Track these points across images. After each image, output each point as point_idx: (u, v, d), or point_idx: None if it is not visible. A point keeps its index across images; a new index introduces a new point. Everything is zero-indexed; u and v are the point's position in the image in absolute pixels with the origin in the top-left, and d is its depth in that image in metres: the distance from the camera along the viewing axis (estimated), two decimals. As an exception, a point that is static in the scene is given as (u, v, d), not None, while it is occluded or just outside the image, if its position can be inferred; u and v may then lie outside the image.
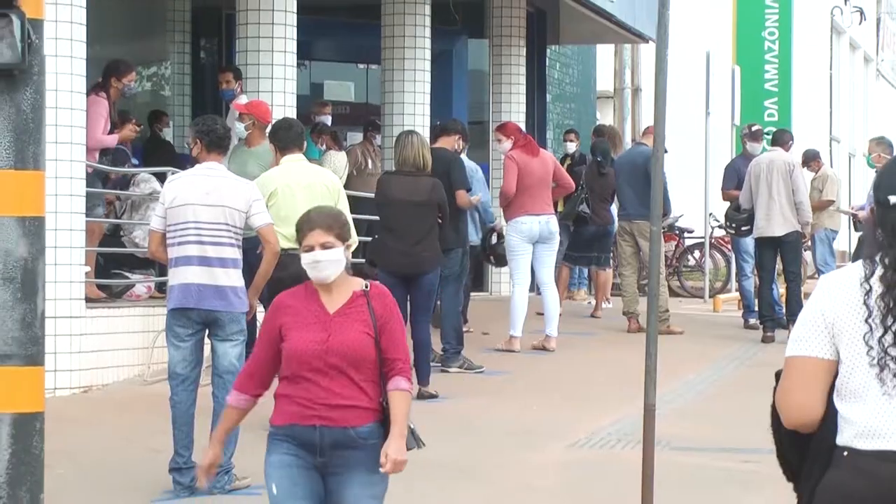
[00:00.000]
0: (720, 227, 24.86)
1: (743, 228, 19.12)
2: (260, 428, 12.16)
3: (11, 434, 8.94)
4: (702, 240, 25.18)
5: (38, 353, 9.08)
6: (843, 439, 5.06)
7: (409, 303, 14.22)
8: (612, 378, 15.20)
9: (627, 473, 10.53)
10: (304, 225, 7.73)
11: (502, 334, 17.28)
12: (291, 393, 7.46)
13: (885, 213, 5.10)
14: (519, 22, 24.86)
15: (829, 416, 5.11)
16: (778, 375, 5.24)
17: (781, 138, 19.77)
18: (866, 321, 5.00)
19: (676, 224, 24.97)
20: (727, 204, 20.01)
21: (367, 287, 7.55)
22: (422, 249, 14.13)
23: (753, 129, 21.46)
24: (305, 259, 7.55)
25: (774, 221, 18.49)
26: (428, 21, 21.34)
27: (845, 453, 5.04)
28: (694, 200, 24.70)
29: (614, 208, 20.51)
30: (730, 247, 24.35)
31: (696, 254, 25.70)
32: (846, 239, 29.92)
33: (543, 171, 17.23)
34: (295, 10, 17.66)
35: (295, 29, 17.72)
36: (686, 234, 26.00)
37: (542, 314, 17.45)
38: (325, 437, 7.36)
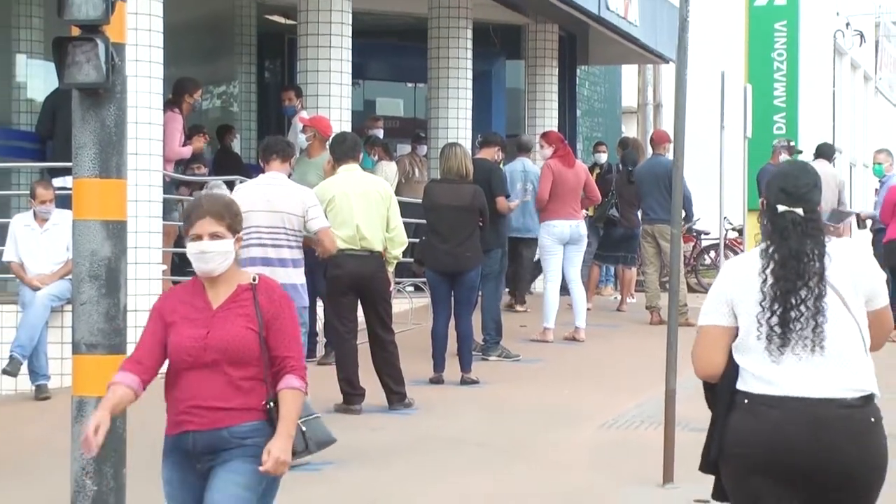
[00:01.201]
0: (733, 229, 24.87)
1: None
2: (319, 409, 12.22)
3: (97, 416, 8.98)
4: (717, 241, 25.09)
5: (121, 342, 9.12)
6: (742, 384, 5.84)
7: (452, 298, 14.24)
8: (636, 365, 15.18)
9: (650, 451, 10.53)
10: (193, 212, 6.68)
11: (537, 326, 17.27)
12: (171, 395, 6.72)
13: (774, 216, 5.90)
14: (552, 45, 24.84)
15: (730, 370, 5.87)
16: None
17: (826, 151, 19.80)
18: (760, 304, 5.79)
19: (694, 227, 24.93)
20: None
21: (254, 280, 6.62)
22: (464, 250, 14.11)
23: (790, 144, 22.01)
24: (191, 249, 6.62)
25: None
26: (469, 44, 21.35)
27: (745, 400, 5.80)
28: (710, 205, 24.61)
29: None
30: (742, 247, 24.37)
31: (712, 254, 25.64)
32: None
33: (576, 181, 17.24)
34: (350, 34, 17.71)
35: (350, 51, 17.75)
36: (703, 236, 25.95)
37: (572, 308, 17.43)
38: (197, 443, 6.58)
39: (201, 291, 6.67)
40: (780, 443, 5.69)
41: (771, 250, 5.85)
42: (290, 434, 6.40)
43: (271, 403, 6.43)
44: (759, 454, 5.74)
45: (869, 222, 20.82)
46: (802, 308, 5.74)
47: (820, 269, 5.77)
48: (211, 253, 6.51)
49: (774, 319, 5.76)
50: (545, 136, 18.65)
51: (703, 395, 6.07)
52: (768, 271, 5.81)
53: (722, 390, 5.90)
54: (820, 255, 5.78)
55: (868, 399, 5.77)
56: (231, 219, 6.59)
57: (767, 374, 5.77)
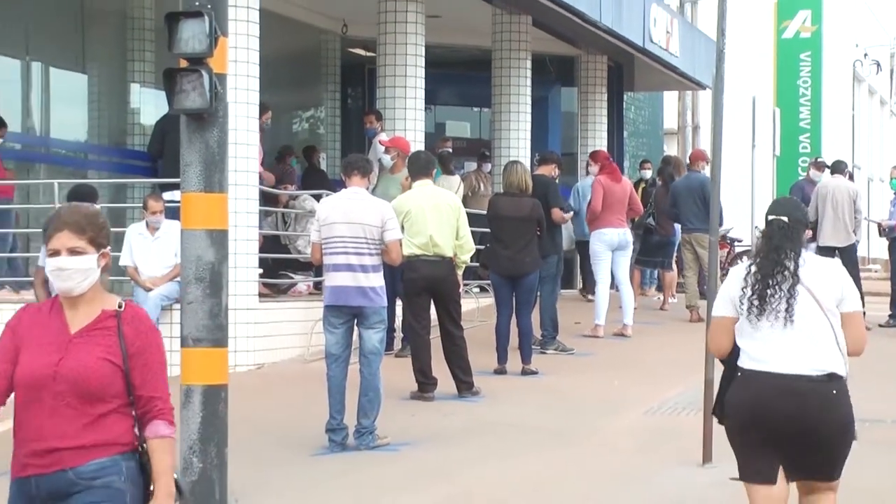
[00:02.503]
0: (763, 237, 24.70)
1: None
2: (396, 397, 12.27)
3: (202, 401, 9.02)
4: (749, 248, 25.02)
5: (223, 337, 9.15)
6: (741, 363, 6.70)
7: (514, 298, 14.23)
8: (677, 358, 15.11)
9: (690, 435, 10.48)
10: (51, 224, 5.34)
11: (589, 323, 17.23)
12: (17, 431, 5.31)
13: (766, 224, 6.92)
14: (602, 73, 24.79)
15: (734, 353, 6.76)
16: None
17: (839, 168, 19.78)
18: (742, 290, 6.70)
19: (728, 235, 24.82)
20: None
21: (121, 307, 5.32)
22: (524, 256, 14.10)
23: (818, 160, 21.74)
24: (49, 265, 5.29)
25: (840, 235, 18.68)
26: (528, 73, 21.33)
27: (740, 374, 6.68)
28: (742, 216, 24.53)
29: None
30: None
31: (745, 258, 25.52)
32: (865, 245, 29.66)
33: (622, 194, 17.23)
34: (423, 64, 17.71)
35: (423, 80, 17.76)
36: (736, 243, 25.82)
37: (621, 307, 17.38)
38: (41, 487, 5.22)
39: (59, 312, 5.35)
40: (760, 407, 6.59)
41: (758, 248, 6.94)
42: (170, 493, 5.31)
43: (143, 446, 5.30)
44: (746, 416, 6.66)
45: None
46: (776, 288, 6.62)
47: (794, 264, 6.66)
48: (69, 270, 5.24)
49: (754, 295, 6.64)
50: (592, 155, 18.83)
51: None
52: (754, 264, 6.78)
53: (727, 367, 6.83)
54: (796, 253, 6.70)
55: (831, 377, 6.57)
56: (94, 232, 5.32)
57: (756, 353, 6.64)
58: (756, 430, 6.61)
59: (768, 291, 6.61)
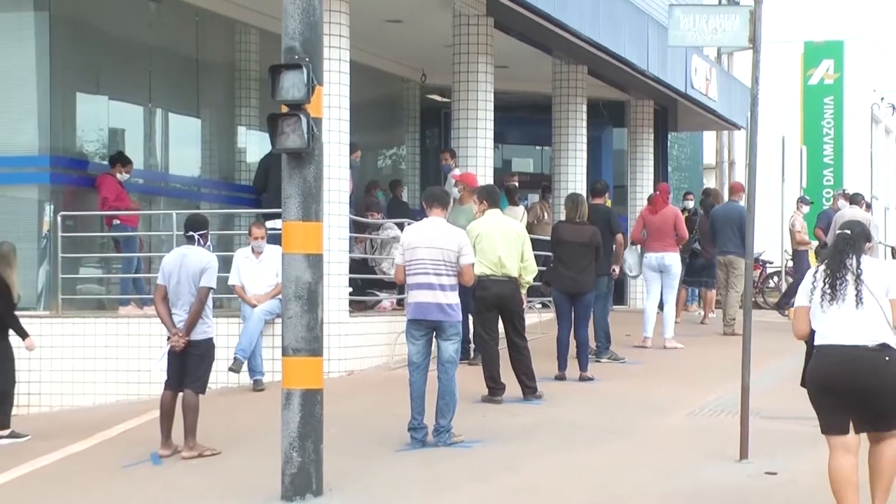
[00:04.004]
0: (791, 259, 24.53)
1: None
2: (469, 400, 12.25)
3: (300, 403, 9.06)
4: (779, 269, 24.85)
5: (318, 347, 9.19)
6: (816, 341, 7.67)
7: (572, 313, 14.16)
8: (717, 366, 15.01)
9: (729, 434, 10.40)
10: None
11: (637, 335, 17.13)
12: None
13: (835, 237, 7.96)
14: (648, 116, 24.72)
15: (812, 337, 7.73)
16: None
17: (857, 199, 19.67)
18: (813, 284, 7.74)
19: (761, 257, 24.65)
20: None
21: None
22: (584, 276, 14.03)
23: (845, 192, 21.58)
24: None
25: None
26: (584, 116, 21.32)
27: (815, 350, 7.67)
28: (773, 241, 24.38)
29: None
30: (799, 274, 24.13)
31: (776, 279, 25.28)
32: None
33: (661, 223, 17.08)
34: (492, 108, 17.72)
35: (492, 122, 17.75)
36: (767, 265, 25.64)
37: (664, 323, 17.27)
38: None
39: None
40: (829, 372, 7.56)
41: (829, 253, 7.92)
42: None
43: None
44: (819, 381, 7.62)
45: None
46: (842, 280, 7.61)
47: (855, 263, 7.66)
48: None
49: (826, 286, 7.64)
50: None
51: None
52: (823, 264, 7.80)
53: (808, 348, 7.79)
54: (856, 256, 7.71)
55: (884, 346, 7.48)
56: None
57: (825, 331, 7.61)
58: (828, 391, 7.57)
59: (837, 283, 7.61)
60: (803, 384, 7.82)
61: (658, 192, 17.93)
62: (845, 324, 7.55)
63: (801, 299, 7.85)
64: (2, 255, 12.74)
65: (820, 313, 7.65)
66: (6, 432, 12.44)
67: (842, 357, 7.51)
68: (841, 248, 7.79)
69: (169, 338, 10.99)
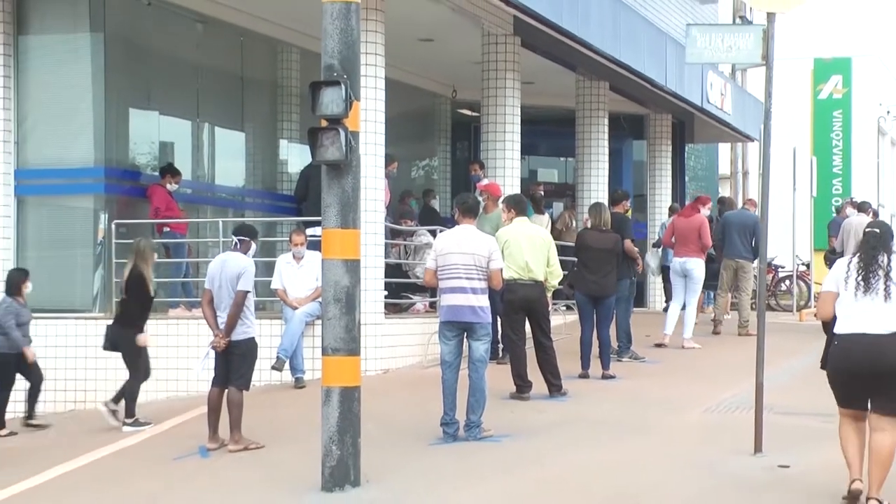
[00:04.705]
0: (802, 264, 24.43)
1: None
2: (498, 397, 12.23)
3: (339, 400, 9.07)
4: (790, 273, 24.73)
5: (356, 347, 9.19)
6: (838, 329, 8.15)
7: (595, 315, 14.14)
8: (732, 365, 14.94)
9: (744, 429, 10.35)
10: None
11: (657, 336, 17.08)
12: None
13: (864, 234, 8.36)
14: (667, 129, 24.68)
15: (832, 324, 8.22)
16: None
17: (864, 207, 19.57)
18: (846, 273, 8.18)
19: (773, 262, 24.53)
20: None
21: None
22: (606, 280, 14.00)
23: (853, 200, 21.55)
24: None
25: None
26: (605, 129, 21.29)
27: (838, 337, 8.11)
28: (784, 247, 24.26)
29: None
30: (810, 278, 24.02)
31: (787, 282, 25.16)
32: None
33: (688, 229, 16.98)
34: (519, 122, 17.73)
35: (519, 134, 17.76)
36: (779, 269, 25.51)
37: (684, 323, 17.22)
38: None
39: None
40: (852, 360, 8.00)
41: (859, 248, 8.32)
42: None
43: None
44: (843, 365, 8.07)
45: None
46: (875, 275, 8.07)
47: (886, 259, 8.12)
48: None
49: (859, 277, 8.09)
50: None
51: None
52: (856, 257, 8.23)
53: (828, 334, 8.38)
54: (886, 252, 8.17)
55: None
56: None
57: (848, 321, 8.06)
58: (851, 374, 8.03)
59: (870, 277, 8.06)
60: (823, 367, 8.37)
61: (697, 199, 17.93)
62: (873, 315, 7.99)
63: (829, 285, 8.29)
64: (139, 251, 12.76)
65: (852, 302, 8.07)
66: (130, 420, 12.57)
67: (867, 345, 7.95)
68: (872, 245, 8.21)
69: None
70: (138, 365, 12.72)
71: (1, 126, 15.28)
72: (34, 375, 13.48)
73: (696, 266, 16.92)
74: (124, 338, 12.68)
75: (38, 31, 15.53)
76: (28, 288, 13.60)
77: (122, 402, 12.68)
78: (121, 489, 10.08)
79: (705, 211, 18.45)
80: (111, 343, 12.82)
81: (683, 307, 17.06)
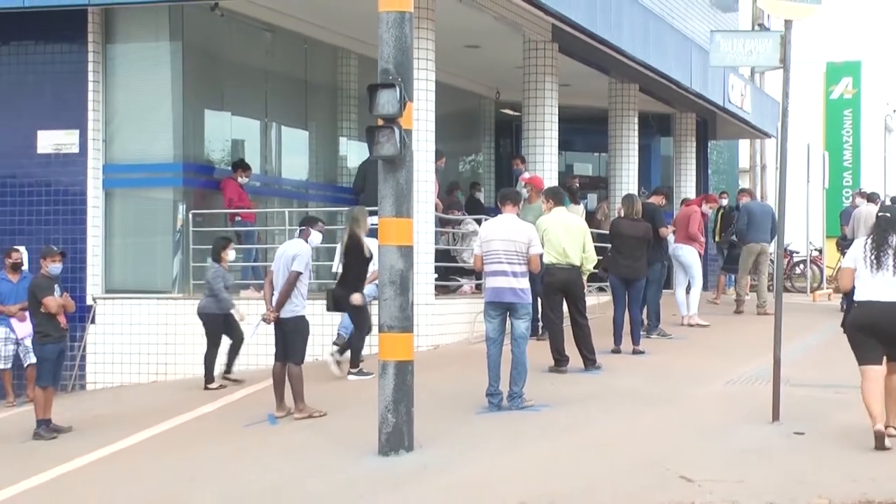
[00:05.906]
0: (815, 249, 24.23)
1: (846, 251, 18.65)
2: (538, 370, 12.21)
3: (394, 373, 9.10)
4: (804, 257, 24.55)
5: (409, 325, 9.22)
6: (858, 296, 8.71)
7: (627, 296, 14.09)
8: (751, 341, 14.85)
9: (762, 400, 10.28)
10: None
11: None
12: None
13: (877, 218, 8.91)
14: (691, 126, 24.53)
15: (852, 293, 8.84)
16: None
17: (873, 197, 19.41)
18: (863, 252, 8.74)
19: (788, 248, 24.36)
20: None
21: None
22: (638, 264, 13.97)
23: (862, 191, 21.22)
24: None
25: None
26: (635, 126, 21.19)
27: (857, 303, 8.72)
28: (798, 234, 24.09)
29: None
30: (822, 262, 23.84)
31: (801, 266, 24.97)
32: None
33: (681, 219, 16.94)
34: (556, 121, 17.69)
35: (557, 132, 17.73)
36: (794, 254, 25.32)
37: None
38: None
39: None
40: (871, 321, 8.59)
41: (873, 229, 8.82)
42: None
43: None
44: (862, 323, 8.65)
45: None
46: (886, 253, 8.64)
47: (894, 240, 8.63)
48: None
49: (873, 256, 8.66)
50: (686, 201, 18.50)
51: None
52: (870, 238, 8.74)
53: (849, 301, 8.99)
54: None
55: None
56: None
57: (871, 290, 8.63)
58: (869, 331, 8.59)
59: (882, 255, 8.61)
60: (843, 327, 9.12)
61: (704, 196, 17.85)
62: (887, 286, 8.59)
63: (848, 262, 8.89)
64: (354, 218, 12.63)
65: (869, 277, 8.64)
66: (355, 370, 12.68)
67: (883, 309, 8.57)
68: (884, 227, 8.73)
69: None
70: (363, 321, 12.68)
71: (91, 126, 15.40)
72: (236, 334, 13.51)
73: (685, 252, 16.71)
74: (347, 298, 12.50)
75: (123, 40, 15.63)
76: (230, 256, 13.61)
77: (347, 354, 12.75)
78: (201, 450, 10.18)
79: (706, 208, 18.34)
80: (335, 304, 12.60)
81: (688, 290, 16.92)
